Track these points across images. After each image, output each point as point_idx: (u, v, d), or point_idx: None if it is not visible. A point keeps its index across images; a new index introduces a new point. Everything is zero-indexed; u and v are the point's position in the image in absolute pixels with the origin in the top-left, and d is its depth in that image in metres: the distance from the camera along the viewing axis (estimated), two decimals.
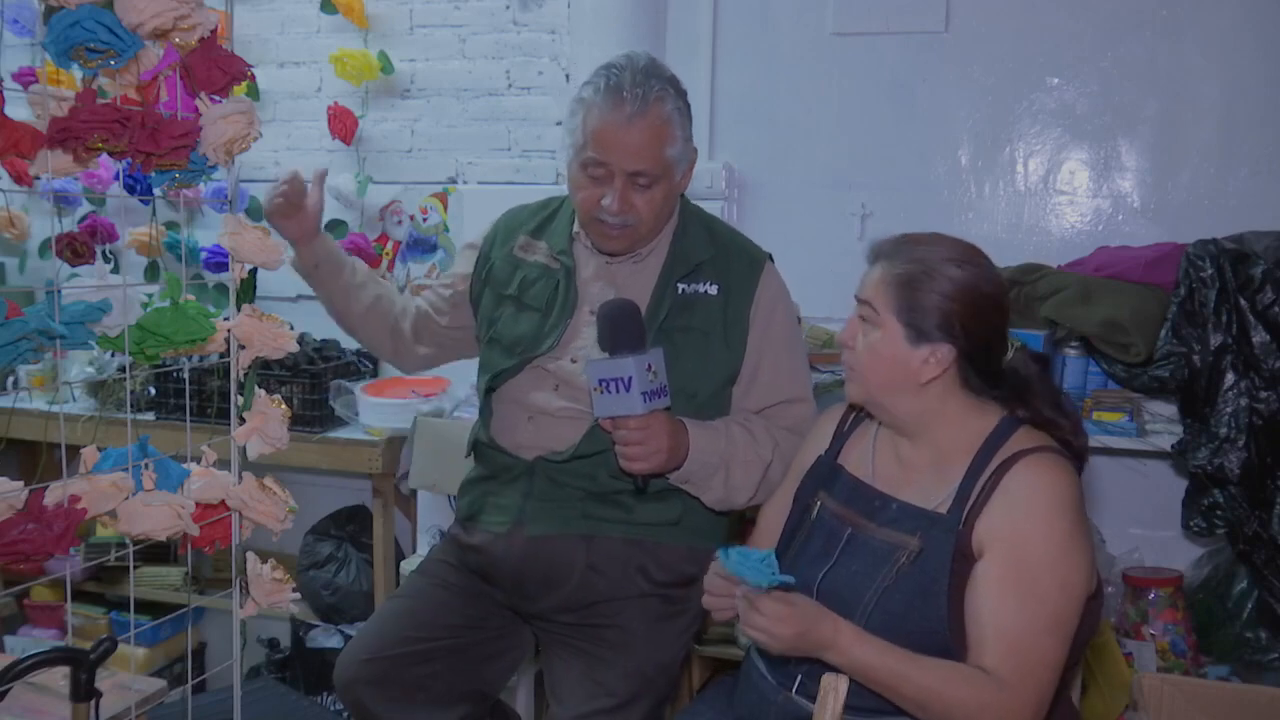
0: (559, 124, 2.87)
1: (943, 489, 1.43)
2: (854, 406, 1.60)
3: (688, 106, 1.78)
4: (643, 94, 1.69)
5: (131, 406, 2.63)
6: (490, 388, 1.88)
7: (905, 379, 1.43)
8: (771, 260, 1.90)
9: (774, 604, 1.33)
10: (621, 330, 1.64)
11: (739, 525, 2.15)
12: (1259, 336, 2.21)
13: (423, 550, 2.61)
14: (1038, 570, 1.33)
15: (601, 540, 1.79)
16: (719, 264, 1.84)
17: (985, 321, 1.43)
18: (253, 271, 1.48)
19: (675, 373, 1.76)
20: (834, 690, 1.21)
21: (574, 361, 1.82)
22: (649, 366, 1.63)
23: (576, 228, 1.87)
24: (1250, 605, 2.30)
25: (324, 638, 2.80)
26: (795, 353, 1.90)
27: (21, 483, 1.23)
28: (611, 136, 1.70)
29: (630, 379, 1.60)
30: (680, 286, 1.82)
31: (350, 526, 2.91)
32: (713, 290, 1.82)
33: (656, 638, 1.78)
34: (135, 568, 2.85)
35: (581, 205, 1.78)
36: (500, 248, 1.95)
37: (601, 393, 1.63)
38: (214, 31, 1.35)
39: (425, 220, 3.04)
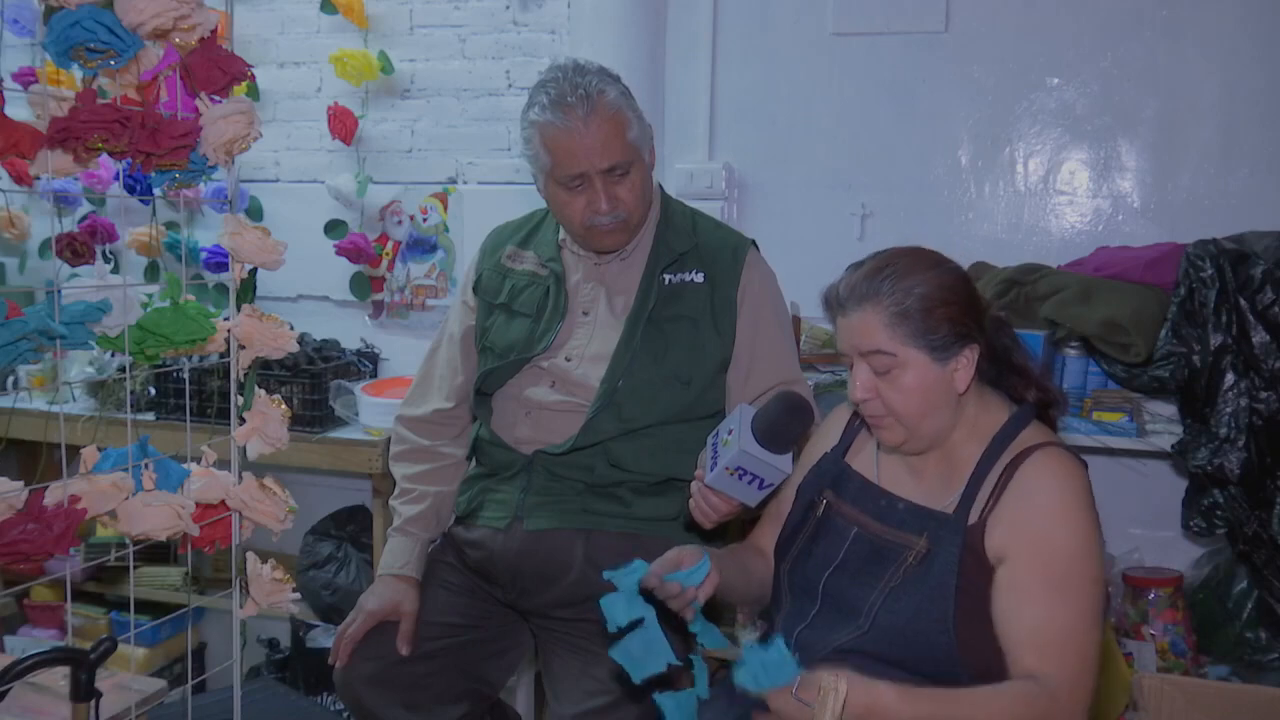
0: None
1: (951, 489, 1.42)
2: None
3: (627, 88, 1.80)
4: (585, 93, 1.72)
5: (131, 406, 2.63)
6: (479, 389, 1.90)
7: (944, 398, 1.41)
8: (756, 246, 1.92)
9: (790, 702, 1.24)
10: (786, 431, 1.51)
11: (740, 525, 2.15)
12: (1259, 336, 2.21)
13: None
14: (1070, 566, 1.32)
15: (599, 535, 1.79)
16: (703, 252, 1.87)
17: (981, 307, 1.44)
18: (253, 271, 1.48)
19: (668, 362, 1.78)
20: (834, 690, 1.21)
21: (569, 360, 1.83)
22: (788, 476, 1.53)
23: (562, 235, 1.91)
24: (1250, 605, 2.30)
25: (324, 638, 2.80)
26: (787, 334, 1.92)
27: (21, 483, 1.23)
28: (574, 144, 1.72)
29: (771, 485, 1.51)
30: (666, 277, 1.84)
31: (350, 526, 2.91)
32: (699, 279, 1.85)
33: None
34: (135, 568, 2.85)
35: (572, 219, 1.80)
36: (488, 259, 1.97)
37: (733, 475, 1.50)
38: (214, 31, 1.35)
39: (425, 220, 3.05)
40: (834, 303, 1.43)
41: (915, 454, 1.48)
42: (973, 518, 1.38)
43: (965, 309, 1.40)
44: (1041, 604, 1.32)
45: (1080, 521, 1.34)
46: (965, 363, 1.40)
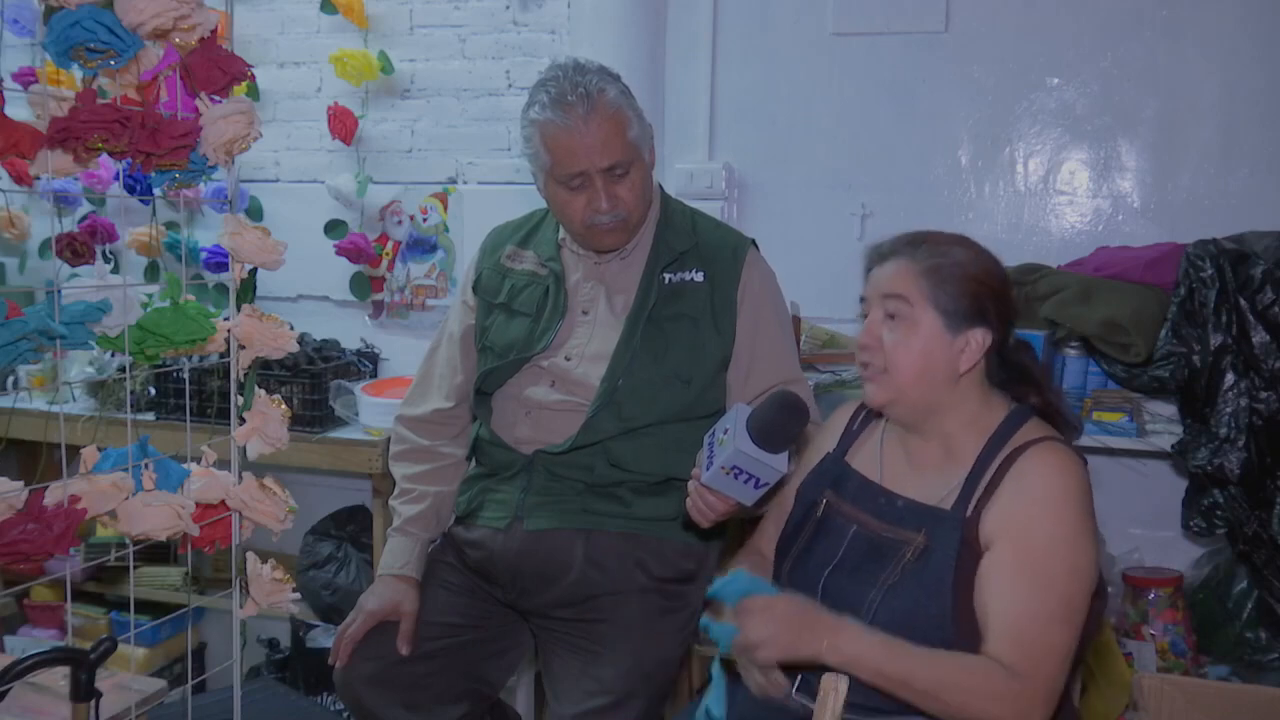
0: None
1: (949, 484, 1.43)
2: (863, 406, 1.60)
3: (627, 87, 1.80)
4: (585, 92, 1.72)
5: (131, 406, 2.63)
6: (479, 389, 1.90)
7: (942, 370, 1.42)
8: (756, 245, 1.92)
9: (753, 605, 1.34)
10: (782, 431, 1.49)
11: (739, 526, 2.15)
12: (1259, 336, 2.21)
13: None
14: (1047, 555, 1.32)
15: (600, 535, 1.79)
16: (703, 252, 1.87)
17: (1009, 303, 1.46)
18: (253, 271, 1.48)
19: (668, 361, 1.78)
20: (834, 690, 1.21)
21: (569, 359, 1.83)
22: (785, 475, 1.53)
23: (562, 235, 1.91)
24: (1250, 605, 2.30)
25: (324, 638, 2.80)
26: (787, 334, 1.93)
27: (21, 483, 1.23)
28: (575, 143, 1.72)
29: (767, 484, 1.51)
30: (666, 276, 1.85)
31: (350, 526, 2.91)
32: (699, 278, 1.85)
33: (654, 633, 1.78)
34: (135, 568, 2.85)
35: (572, 218, 1.80)
36: (488, 259, 1.98)
37: (729, 474, 1.49)
38: (214, 31, 1.35)
39: (425, 220, 3.05)
40: (874, 255, 1.48)
41: (901, 424, 1.49)
42: (969, 511, 1.38)
43: (993, 295, 1.43)
44: (1014, 590, 1.32)
45: (1067, 513, 1.34)
46: (974, 344, 1.42)
